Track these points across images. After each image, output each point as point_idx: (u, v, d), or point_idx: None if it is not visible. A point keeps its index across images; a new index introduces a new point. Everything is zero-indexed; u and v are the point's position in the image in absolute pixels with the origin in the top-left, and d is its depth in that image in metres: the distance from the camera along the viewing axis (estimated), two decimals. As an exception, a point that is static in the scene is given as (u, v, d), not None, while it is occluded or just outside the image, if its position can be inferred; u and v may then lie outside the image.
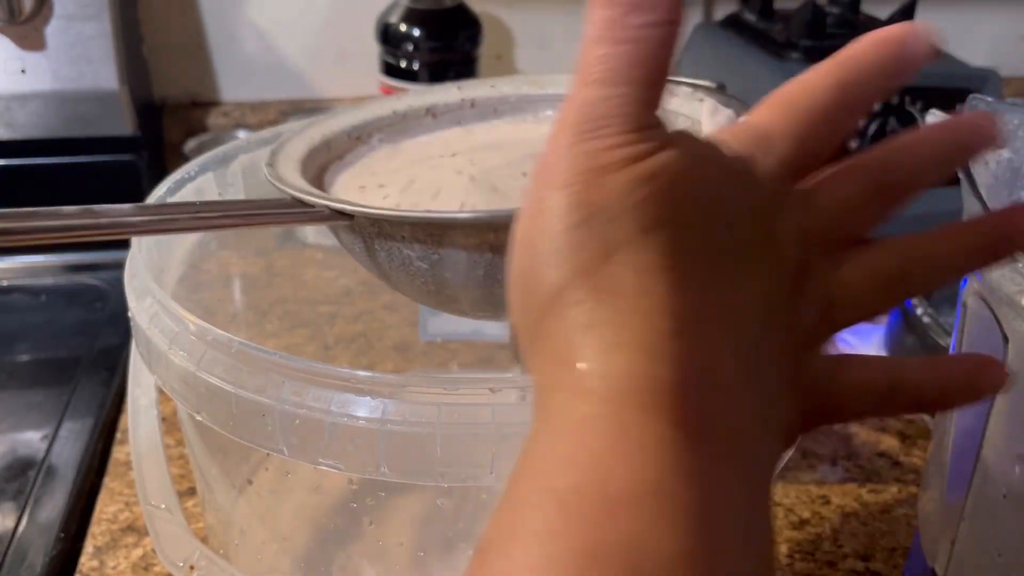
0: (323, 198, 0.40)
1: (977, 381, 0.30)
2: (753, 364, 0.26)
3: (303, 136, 0.47)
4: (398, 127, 0.50)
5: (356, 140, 0.49)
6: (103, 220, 0.35)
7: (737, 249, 0.26)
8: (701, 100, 0.46)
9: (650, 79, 0.25)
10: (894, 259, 0.29)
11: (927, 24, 0.29)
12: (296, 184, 0.41)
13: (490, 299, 0.40)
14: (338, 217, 0.39)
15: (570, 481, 0.21)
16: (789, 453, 0.30)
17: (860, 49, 0.28)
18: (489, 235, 0.38)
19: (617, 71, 0.25)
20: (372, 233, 0.40)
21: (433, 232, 0.38)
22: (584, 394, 0.23)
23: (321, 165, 0.47)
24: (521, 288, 0.26)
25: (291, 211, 0.40)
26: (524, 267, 0.26)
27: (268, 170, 0.43)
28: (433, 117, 0.51)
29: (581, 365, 0.23)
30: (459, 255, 0.38)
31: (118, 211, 0.36)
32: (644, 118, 0.25)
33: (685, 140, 0.26)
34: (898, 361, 0.30)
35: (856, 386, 0.29)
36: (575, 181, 0.25)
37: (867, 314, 0.29)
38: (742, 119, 0.29)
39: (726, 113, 0.43)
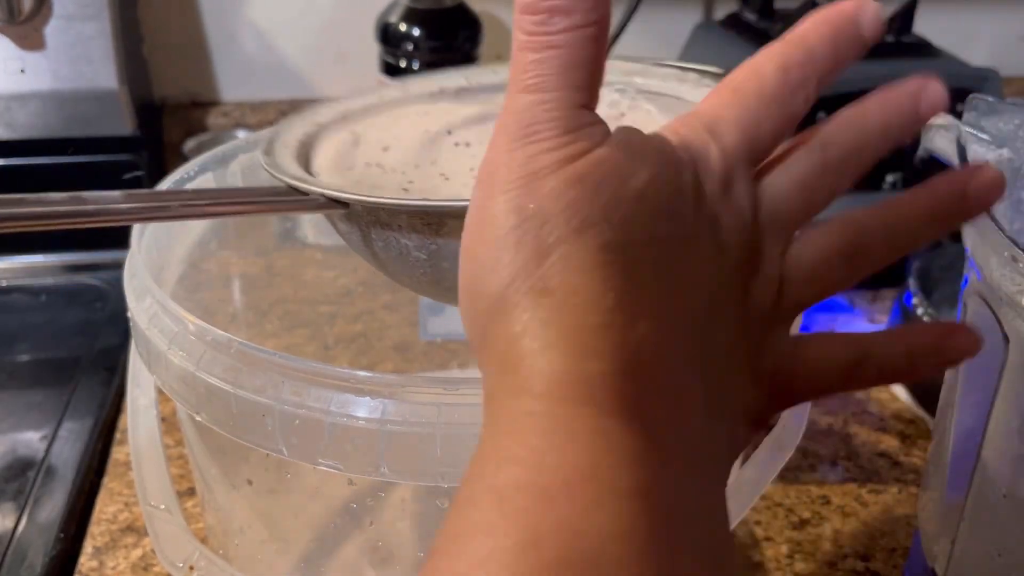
0: (318, 186, 0.40)
1: (946, 347, 0.30)
2: (700, 350, 0.26)
3: (300, 123, 0.47)
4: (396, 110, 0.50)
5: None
6: (90, 207, 0.35)
7: (679, 239, 0.26)
8: (708, 87, 0.46)
9: (580, 82, 0.26)
10: (849, 234, 0.29)
11: (871, 2, 0.29)
12: (292, 172, 0.41)
13: None
14: (333, 205, 0.39)
15: (508, 477, 0.22)
16: (762, 435, 0.31)
17: (805, 29, 0.29)
18: None
19: (547, 77, 0.26)
20: (369, 222, 0.39)
21: (431, 221, 0.38)
22: (523, 394, 0.23)
23: (314, 144, 0.46)
24: (468, 296, 0.26)
25: (285, 199, 0.40)
26: (469, 275, 0.26)
27: (264, 158, 0.42)
28: (433, 100, 0.51)
29: (520, 367, 0.24)
30: (457, 245, 0.38)
31: (107, 198, 0.36)
32: (577, 120, 0.26)
33: (622, 137, 0.26)
34: (863, 335, 0.31)
35: (821, 363, 0.30)
36: (512, 187, 0.25)
37: (826, 291, 0.30)
38: (692, 108, 0.29)
39: None
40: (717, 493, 0.25)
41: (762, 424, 0.29)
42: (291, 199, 0.40)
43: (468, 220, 0.27)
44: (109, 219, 0.36)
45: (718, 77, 0.46)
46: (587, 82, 0.26)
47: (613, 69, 0.49)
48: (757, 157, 0.29)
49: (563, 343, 0.24)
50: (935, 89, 0.29)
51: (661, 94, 0.47)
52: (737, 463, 0.48)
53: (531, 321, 0.24)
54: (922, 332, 0.31)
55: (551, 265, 0.24)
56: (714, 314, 0.27)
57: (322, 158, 0.45)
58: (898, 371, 0.30)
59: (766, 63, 0.28)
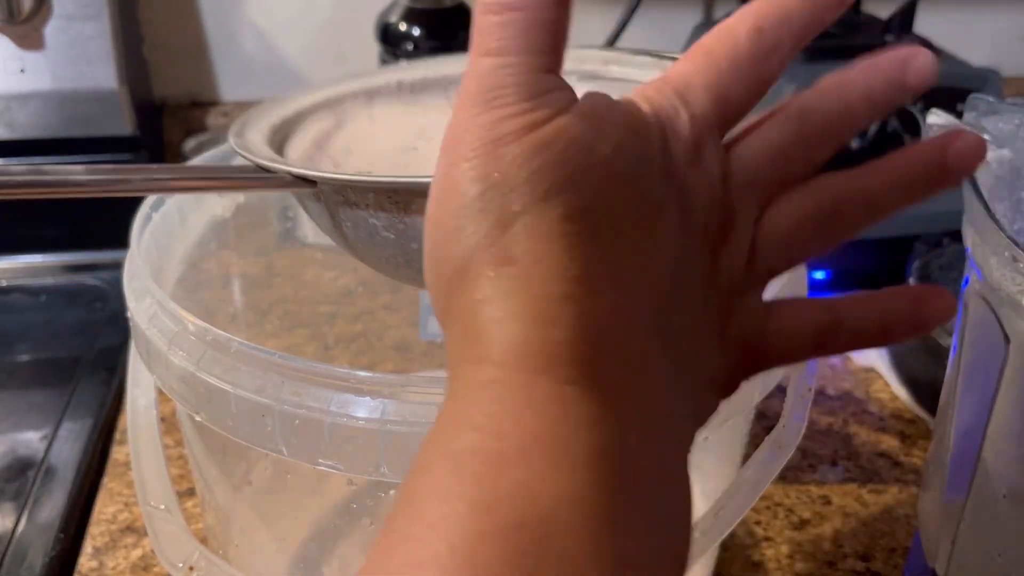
0: (286, 164, 0.39)
1: (921, 312, 0.29)
2: (665, 318, 0.26)
3: (273, 108, 0.46)
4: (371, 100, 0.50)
5: (326, 112, 0.49)
6: (49, 178, 0.34)
7: (645, 207, 0.26)
8: None
9: (544, 45, 0.25)
10: (823, 200, 0.29)
11: None
12: (263, 153, 0.41)
13: None
14: (300, 184, 0.38)
15: (465, 443, 0.22)
16: (734, 397, 0.30)
17: None
18: None
19: (510, 40, 0.25)
20: (337, 202, 0.39)
21: (398, 199, 0.37)
22: (483, 362, 0.23)
23: (287, 136, 0.46)
24: (432, 264, 0.26)
25: (252, 176, 0.39)
26: (433, 242, 0.26)
27: (235, 140, 0.42)
28: (411, 92, 0.50)
29: (481, 336, 0.24)
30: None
31: (67, 171, 0.35)
32: (540, 85, 0.25)
33: (588, 103, 0.26)
34: (835, 300, 0.30)
35: (792, 329, 0.29)
36: (475, 154, 0.25)
37: (799, 257, 0.29)
38: (664, 73, 0.29)
39: None
40: (678, 461, 0.25)
41: (731, 390, 0.29)
42: (257, 176, 0.39)
43: (433, 187, 0.26)
44: (68, 191, 0.35)
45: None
46: (550, 46, 0.26)
47: (591, 58, 0.49)
48: (729, 122, 0.28)
49: (524, 312, 0.24)
50: (924, 59, 0.28)
51: (638, 81, 0.47)
52: (737, 463, 0.48)
53: (493, 290, 0.24)
54: (896, 296, 0.30)
55: (514, 234, 0.24)
56: (681, 281, 0.27)
57: (294, 148, 0.45)
58: (872, 337, 0.30)
59: (740, 25, 0.28)
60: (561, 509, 0.21)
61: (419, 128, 0.48)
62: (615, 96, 0.27)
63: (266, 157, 0.40)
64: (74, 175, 0.35)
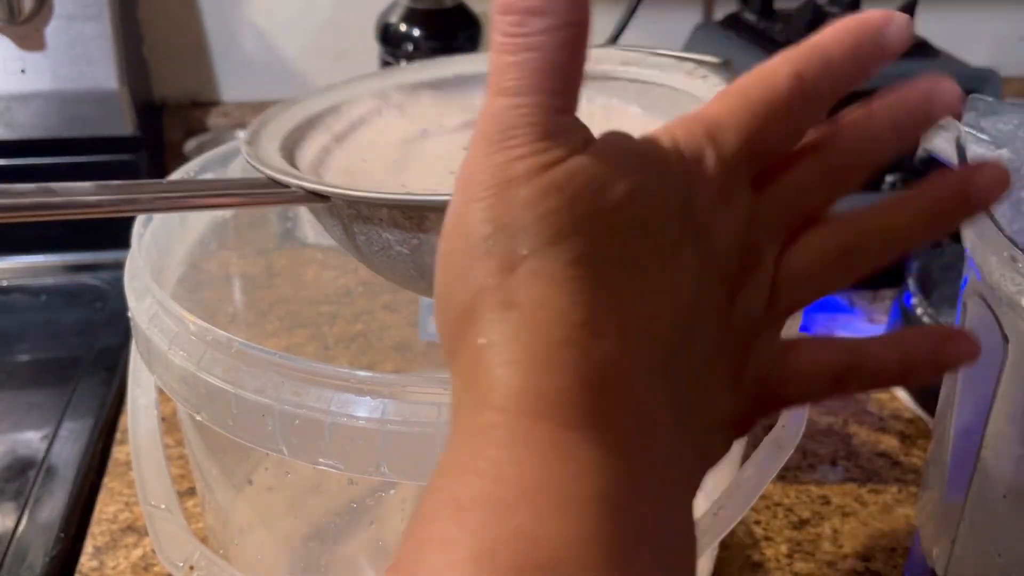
0: (299, 178, 0.39)
1: (944, 354, 0.29)
2: (673, 363, 0.25)
3: (287, 114, 0.46)
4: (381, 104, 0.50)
5: (342, 117, 0.48)
6: (58, 199, 0.34)
7: (658, 251, 0.26)
8: (704, 77, 0.45)
9: (557, 86, 0.25)
10: (844, 236, 0.28)
11: (900, 13, 0.27)
12: (275, 164, 0.40)
13: None
14: (313, 199, 0.38)
15: (467, 489, 0.22)
16: (760, 434, 0.30)
17: (827, 37, 0.27)
18: None
19: (523, 80, 0.25)
20: (350, 216, 0.39)
21: (412, 215, 0.37)
22: (483, 407, 0.23)
23: (299, 142, 0.46)
24: (440, 303, 0.26)
25: (264, 191, 0.39)
26: (442, 282, 0.26)
27: (247, 149, 0.41)
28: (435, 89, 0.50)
29: (481, 380, 0.24)
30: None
31: (76, 190, 0.34)
32: (554, 126, 0.25)
33: (604, 144, 0.26)
34: (856, 340, 0.29)
35: (811, 368, 0.29)
36: (486, 194, 0.25)
37: (821, 292, 0.29)
38: (695, 110, 0.28)
39: None
40: (682, 504, 0.25)
41: (744, 430, 0.29)
42: (269, 191, 0.39)
43: (445, 225, 0.26)
44: (77, 212, 0.34)
45: (715, 67, 0.46)
46: (565, 86, 0.25)
47: (608, 58, 0.48)
48: (760, 164, 0.28)
49: (525, 359, 0.23)
50: (948, 89, 0.28)
51: (658, 84, 0.47)
52: (737, 463, 0.48)
53: (495, 335, 0.24)
54: (918, 338, 0.30)
55: (519, 277, 0.24)
56: (693, 324, 0.26)
57: (304, 156, 0.45)
58: (892, 378, 0.30)
59: (780, 69, 0.27)
60: (561, 555, 0.21)
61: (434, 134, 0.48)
62: (635, 128, 0.27)
63: (278, 168, 0.40)
64: (83, 194, 0.34)
